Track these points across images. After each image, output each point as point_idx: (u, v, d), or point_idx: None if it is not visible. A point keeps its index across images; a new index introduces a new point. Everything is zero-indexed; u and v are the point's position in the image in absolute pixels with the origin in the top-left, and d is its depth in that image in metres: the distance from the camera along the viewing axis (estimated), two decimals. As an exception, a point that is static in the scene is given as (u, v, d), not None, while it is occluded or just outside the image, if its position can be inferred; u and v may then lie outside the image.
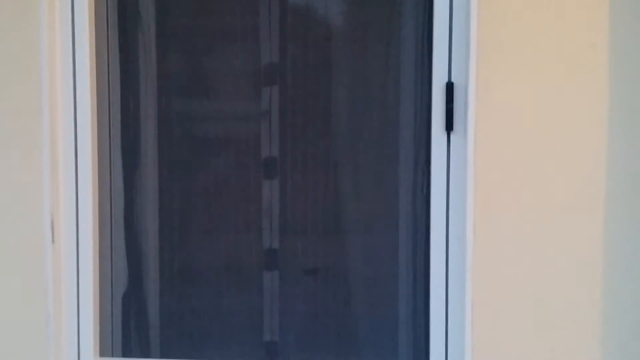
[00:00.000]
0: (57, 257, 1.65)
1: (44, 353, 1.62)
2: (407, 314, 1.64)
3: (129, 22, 1.68)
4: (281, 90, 1.65)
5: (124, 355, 1.72)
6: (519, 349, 1.50)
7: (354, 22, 1.69)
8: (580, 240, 1.48)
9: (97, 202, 1.71)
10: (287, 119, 1.66)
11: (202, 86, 1.72)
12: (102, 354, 1.72)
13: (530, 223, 1.49)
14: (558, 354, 1.49)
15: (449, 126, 1.54)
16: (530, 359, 1.50)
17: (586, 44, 1.45)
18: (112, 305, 1.73)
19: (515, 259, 1.49)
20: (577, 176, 1.47)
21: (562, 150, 1.47)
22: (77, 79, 1.64)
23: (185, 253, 1.71)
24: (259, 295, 1.70)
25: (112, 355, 1.72)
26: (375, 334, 1.65)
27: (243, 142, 1.70)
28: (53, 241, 1.63)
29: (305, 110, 1.68)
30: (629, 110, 1.45)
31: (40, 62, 1.57)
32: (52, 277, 1.63)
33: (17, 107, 1.59)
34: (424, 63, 1.58)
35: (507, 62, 1.47)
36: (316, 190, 1.68)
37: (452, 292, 1.58)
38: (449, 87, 1.53)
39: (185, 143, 1.72)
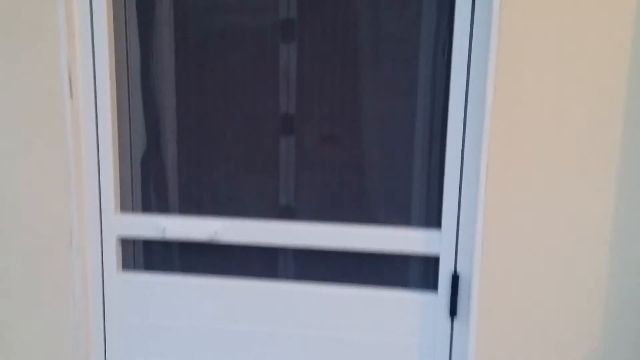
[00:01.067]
0: (76, 112, 1.66)
1: (66, 207, 1.67)
2: (421, 180, 1.64)
3: None
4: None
5: (144, 209, 1.77)
6: (531, 220, 1.51)
7: None
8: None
9: (114, 59, 1.69)
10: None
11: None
12: (122, 209, 1.77)
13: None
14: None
15: None
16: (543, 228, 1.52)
17: None
18: (131, 165, 1.76)
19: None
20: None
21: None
22: None
23: (202, 115, 1.71)
24: (275, 160, 1.71)
25: (133, 210, 1.77)
26: (389, 199, 1.67)
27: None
28: (71, 96, 1.64)
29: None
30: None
31: None
32: (71, 133, 1.64)
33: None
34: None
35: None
36: (334, 53, 1.64)
37: (467, 156, 1.58)
38: None
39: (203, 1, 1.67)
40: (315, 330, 1.71)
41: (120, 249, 1.78)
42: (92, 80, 1.67)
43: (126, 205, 1.78)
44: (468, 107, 1.55)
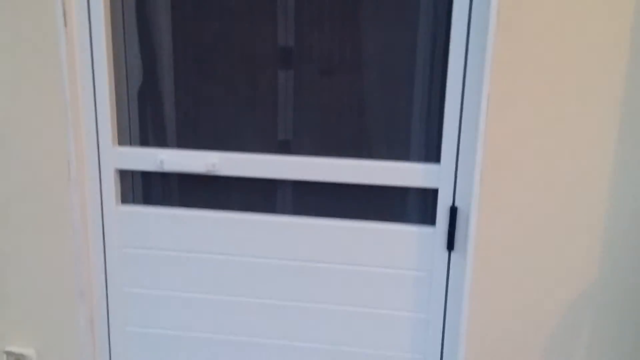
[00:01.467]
0: (70, 42, 1.63)
1: (63, 140, 1.67)
2: (422, 114, 1.63)
3: None
4: None
5: (141, 143, 1.76)
6: (530, 153, 1.50)
7: None
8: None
9: (108, -13, 1.65)
10: None
11: None
12: (120, 143, 1.76)
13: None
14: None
15: None
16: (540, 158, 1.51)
17: None
18: (128, 99, 1.74)
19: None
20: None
21: None
22: None
23: (199, 48, 1.68)
24: (273, 94, 1.69)
25: (130, 143, 1.76)
26: (389, 134, 1.66)
27: None
28: (65, 24, 1.60)
29: None
30: None
31: None
32: (66, 64, 1.62)
33: None
34: None
35: None
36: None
37: (468, 89, 1.56)
38: None
39: None
40: (313, 263, 1.73)
41: (118, 182, 1.77)
42: (87, 10, 1.64)
43: (124, 138, 1.77)
44: (470, 40, 1.52)
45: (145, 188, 1.79)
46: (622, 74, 1.43)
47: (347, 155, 1.68)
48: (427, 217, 1.68)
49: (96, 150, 1.74)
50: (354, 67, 1.64)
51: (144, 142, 1.77)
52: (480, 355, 1.64)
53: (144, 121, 1.75)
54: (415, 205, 1.68)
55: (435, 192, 1.65)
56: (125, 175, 1.79)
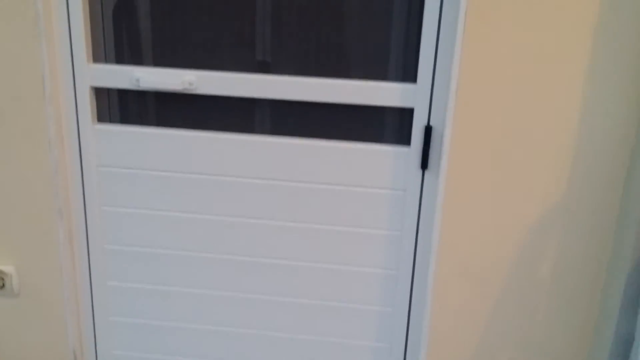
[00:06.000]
0: (41, -49, 1.58)
1: (37, 56, 1.64)
2: (399, 34, 1.63)
3: None
4: None
5: (117, 61, 1.74)
6: (506, 74, 1.52)
7: None
8: None
9: None
10: None
11: None
12: (95, 60, 1.74)
13: None
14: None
15: None
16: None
17: None
18: (102, 15, 1.71)
19: None
20: None
21: None
22: None
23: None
24: (251, 13, 1.67)
25: (106, 61, 1.74)
26: (367, 54, 1.66)
27: None
28: None
29: None
30: None
31: None
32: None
33: None
34: None
35: None
36: None
37: (446, 9, 1.56)
38: None
39: None
40: (290, 182, 1.75)
41: (94, 99, 1.76)
42: None
43: (98, 55, 1.74)
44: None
45: (121, 107, 1.78)
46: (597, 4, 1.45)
47: (325, 75, 1.68)
48: (403, 136, 1.71)
49: (70, 67, 1.71)
50: (332, -15, 1.62)
51: (120, 59, 1.75)
52: (451, 270, 1.71)
53: (120, 38, 1.73)
54: (391, 125, 1.71)
55: (411, 111, 1.67)
56: (101, 94, 1.77)
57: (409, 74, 1.66)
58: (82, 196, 1.84)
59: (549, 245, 1.66)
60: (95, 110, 1.77)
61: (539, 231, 1.65)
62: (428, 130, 1.65)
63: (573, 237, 1.65)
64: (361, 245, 1.79)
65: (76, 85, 1.73)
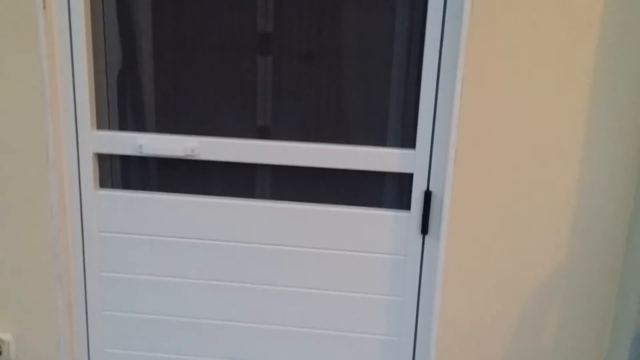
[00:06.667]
0: (49, 24, 1.63)
1: (41, 123, 1.66)
2: (398, 101, 1.66)
3: None
4: None
5: (120, 127, 1.77)
6: (503, 140, 1.55)
7: None
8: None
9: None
10: None
11: None
12: (99, 127, 1.77)
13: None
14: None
15: None
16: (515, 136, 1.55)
17: None
18: (107, 83, 1.75)
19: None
20: None
21: None
22: None
23: (179, 32, 1.69)
24: (252, 80, 1.70)
25: (109, 128, 1.77)
26: (366, 120, 1.68)
27: None
28: (44, 6, 1.60)
29: None
30: None
31: None
32: (45, 47, 1.62)
33: None
34: None
35: None
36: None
37: (443, 76, 1.59)
38: None
39: None
40: (291, 247, 1.75)
41: (97, 165, 1.78)
42: (65, -9, 1.64)
43: (102, 122, 1.77)
44: (445, 28, 1.55)
45: (124, 172, 1.80)
46: (591, 64, 1.48)
47: (325, 141, 1.70)
48: (403, 201, 1.72)
49: (74, 133, 1.74)
50: (332, 53, 1.66)
51: (123, 126, 1.77)
52: (453, 336, 1.69)
53: (123, 105, 1.76)
54: (391, 190, 1.72)
55: (410, 176, 1.68)
56: (104, 159, 1.79)
57: (407, 140, 1.68)
58: (82, 262, 1.83)
59: (551, 310, 1.64)
60: (97, 176, 1.79)
61: (541, 296, 1.64)
62: (428, 196, 1.65)
63: (575, 303, 1.63)
64: (363, 310, 1.77)
65: (79, 152, 1.75)
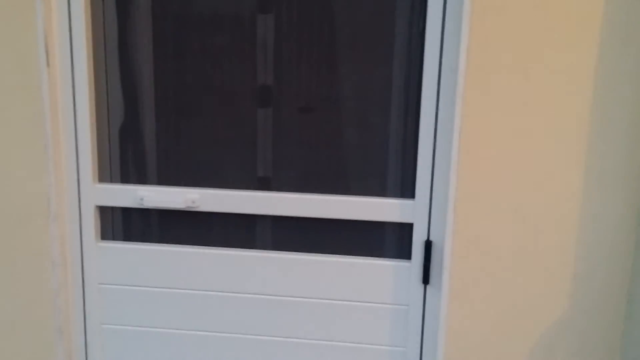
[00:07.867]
0: (53, 80, 1.66)
1: (44, 176, 1.68)
2: (396, 152, 1.67)
3: None
4: None
5: (122, 180, 1.78)
6: (502, 189, 1.56)
7: None
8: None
9: (91, 28, 1.69)
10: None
11: None
12: (101, 180, 1.78)
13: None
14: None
15: None
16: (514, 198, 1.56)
17: None
18: (109, 136, 1.77)
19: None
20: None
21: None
22: None
23: (180, 86, 1.72)
24: (252, 132, 1.73)
25: (111, 180, 1.78)
26: (365, 171, 1.70)
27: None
28: (48, 64, 1.64)
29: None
30: None
31: None
32: (48, 102, 1.65)
33: None
34: None
35: None
36: (312, 24, 1.65)
37: (441, 127, 1.61)
38: None
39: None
40: (292, 298, 1.75)
41: (98, 218, 1.79)
42: (69, 49, 1.67)
43: (104, 175, 1.79)
44: (441, 79, 1.58)
45: (125, 224, 1.81)
46: (588, 112, 1.50)
47: (325, 191, 1.71)
48: (403, 251, 1.72)
49: (76, 186, 1.75)
50: (331, 105, 1.69)
51: (125, 178, 1.79)
52: (457, 388, 1.67)
53: (125, 158, 1.78)
54: (391, 240, 1.72)
55: (410, 226, 1.69)
56: (105, 212, 1.80)
57: (407, 190, 1.69)
58: (82, 314, 1.83)
59: (556, 358, 1.63)
60: (99, 228, 1.80)
61: (545, 343, 1.62)
62: (428, 245, 1.65)
63: (579, 352, 1.61)
64: (365, 362, 1.75)
65: (81, 205, 1.76)
